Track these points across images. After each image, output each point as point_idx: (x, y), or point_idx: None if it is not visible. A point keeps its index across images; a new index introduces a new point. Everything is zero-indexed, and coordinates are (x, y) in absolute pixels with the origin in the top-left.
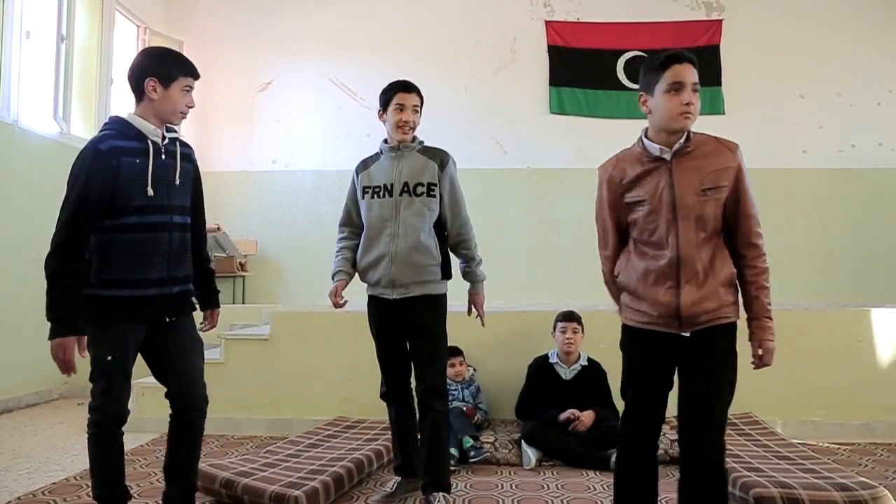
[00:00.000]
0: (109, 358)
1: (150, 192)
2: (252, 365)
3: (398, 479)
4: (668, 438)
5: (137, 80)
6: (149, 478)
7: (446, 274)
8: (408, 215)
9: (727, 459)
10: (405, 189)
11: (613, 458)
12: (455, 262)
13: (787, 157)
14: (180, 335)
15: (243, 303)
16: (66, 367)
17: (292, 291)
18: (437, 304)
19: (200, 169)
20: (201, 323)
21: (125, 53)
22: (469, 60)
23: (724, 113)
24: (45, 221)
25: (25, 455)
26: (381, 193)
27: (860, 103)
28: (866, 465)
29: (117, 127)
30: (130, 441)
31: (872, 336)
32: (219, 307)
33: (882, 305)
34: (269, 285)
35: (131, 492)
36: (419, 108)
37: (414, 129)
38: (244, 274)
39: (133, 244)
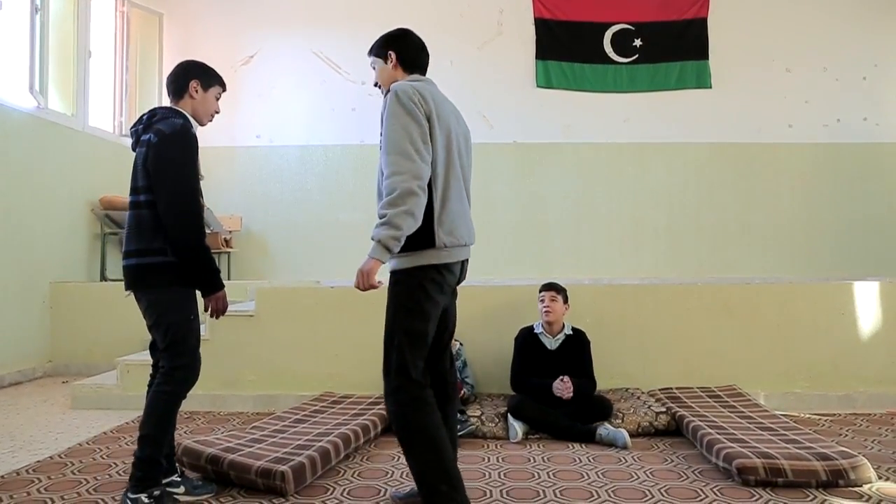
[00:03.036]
0: (192, 317)
1: (203, 176)
2: (238, 341)
3: None
4: (654, 411)
5: (182, 79)
6: None
7: (407, 243)
8: None
9: (710, 430)
10: None
11: (598, 431)
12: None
13: (773, 131)
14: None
15: (228, 279)
16: (222, 312)
17: (278, 267)
18: (392, 282)
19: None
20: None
21: (103, 25)
22: (454, 33)
23: (710, 87)
24: (22, 197)
25: (9, 434)
26: None
27: (846, 78)
28: (847, 436)
29: (187, 118)
30: (115, 419)
31: (854, 309)
32: None
33: (864, 279)
34: (254, 261)
35: (117, 469)
36: (374, 66)
37: (379, 86)
38: (229, 250)
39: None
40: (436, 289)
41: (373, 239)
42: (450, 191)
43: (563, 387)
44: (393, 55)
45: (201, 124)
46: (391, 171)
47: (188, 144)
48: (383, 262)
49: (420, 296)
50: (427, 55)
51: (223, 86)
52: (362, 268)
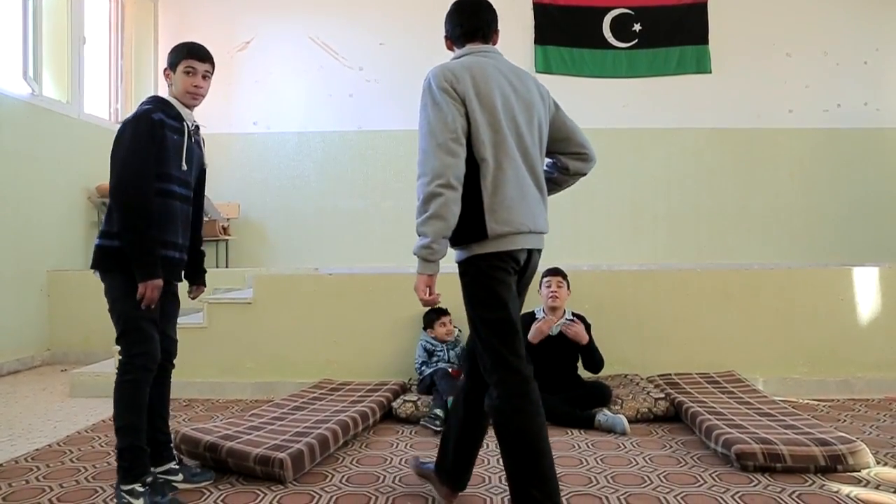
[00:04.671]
0: (148, 305)
1: (185, 166)
2: (236, 329)
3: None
4: (653, 397)
5: (163, 73)
6: None
7: (454, 239)
8: None
9: (709, 416)
10: None
11: (597, 417)
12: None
13: (773, 116)
14: (174, 297)
15: (226, 267)
16: (150, 303)
17: (276, 254)
18: (459, 273)
19: None
20: (189, 292)
21: (97, 11)
22: None
23: (710, 71)
24: (18, 185)
25: (7, 422)
26: None
27: (846, 62)
28: (845, 421)
29: (161, 104)
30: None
31: (854, 295)
32: (205, 286)
33: (863, 264)
34: (252, 249)
35: (115, 456)
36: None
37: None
38: (227, 238)
39: (168, 209)
40: (503, 273)
41: (413, 253)
42: (503, 175)
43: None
44: (445, 39)
45: (190, 106)
46: (418, 172)
47: (141, 128)
48: (432, 273)
49: (490, 282)
50: (482, 17)
51: (193, 55)
52: (415, 287)
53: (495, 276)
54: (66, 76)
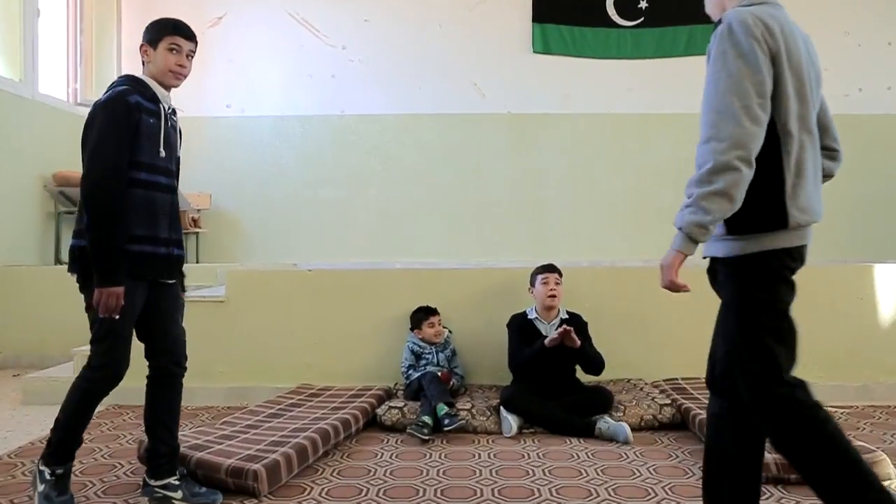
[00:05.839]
0: (117, 316)
1: (163, 153)
2: (206, 329)
3: None
4: (658, 403)
5: (139, 49)
6: (93, 454)
7: (738, 225)
8: None
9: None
10: None
11: (598, 425)
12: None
13: None
14: (172, 296)
15: (197, 262)
16: (107, 312)
17: (251, 249)
18: (727, 271)
19: None
20: None
21: None
22: None
23: None
24: None
25: None
26: None
27: (869, 43)
28: (864, 429)
29: (136, 85)
30: None
31: (874, 294)
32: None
33: (885, 261)
34: (224, 242)
35: (73, 469)
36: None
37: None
38: (197, 230)
39: (146, 200)
40: (790, 274)
41: (675, 225)
42: (804, 153)
43: (562, 332)
44: None
45: (171, 86)
46: (707, 134)
47: (114, 112)
48: (689, 255)
49: (779, 285)
50: None
51: (179, 32)
52: (662, 262)
53: (786, 276)
54: (18, 53)
